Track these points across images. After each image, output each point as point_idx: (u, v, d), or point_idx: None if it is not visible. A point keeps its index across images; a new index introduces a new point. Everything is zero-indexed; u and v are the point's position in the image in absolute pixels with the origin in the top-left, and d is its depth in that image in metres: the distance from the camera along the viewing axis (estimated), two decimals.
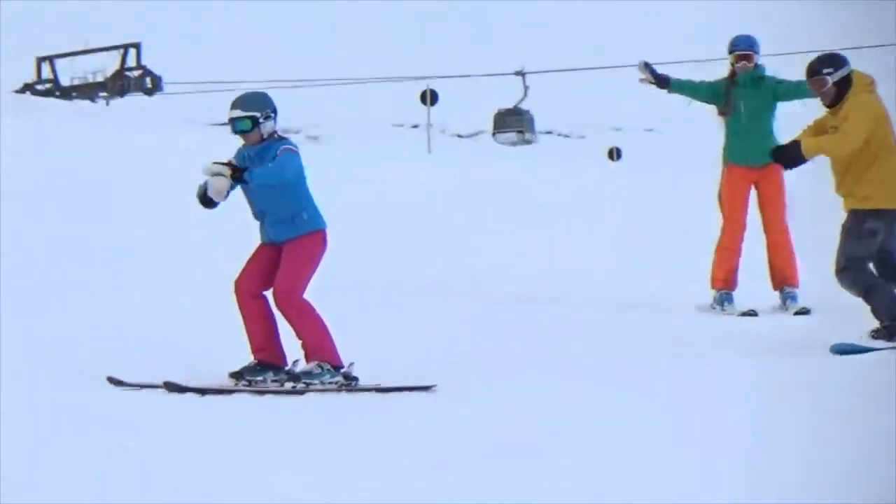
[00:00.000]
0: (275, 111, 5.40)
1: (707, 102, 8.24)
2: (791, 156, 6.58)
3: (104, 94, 26.20)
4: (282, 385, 5.22)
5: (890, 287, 6.56)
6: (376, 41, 38.23)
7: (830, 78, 6.47)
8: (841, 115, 6.44)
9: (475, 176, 15.65)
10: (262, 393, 5.15)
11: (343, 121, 31.92)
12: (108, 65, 27.01)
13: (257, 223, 5.41)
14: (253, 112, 5.26)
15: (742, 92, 8.00)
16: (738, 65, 7.92)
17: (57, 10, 33.19)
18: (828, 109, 6.54)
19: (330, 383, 5.25)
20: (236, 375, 5.24)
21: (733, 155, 7.98)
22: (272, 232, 5.33)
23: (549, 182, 15.25)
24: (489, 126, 33.84)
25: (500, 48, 44.07)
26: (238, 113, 5.22)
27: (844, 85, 6.46)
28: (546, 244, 10.42)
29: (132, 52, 27.46)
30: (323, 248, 5.46)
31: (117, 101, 24.11)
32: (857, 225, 6.50)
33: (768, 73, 8.24)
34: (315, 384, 5.22)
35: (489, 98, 34.27)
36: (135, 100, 23.58)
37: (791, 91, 7.96)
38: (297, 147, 5.42)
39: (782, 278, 7.92)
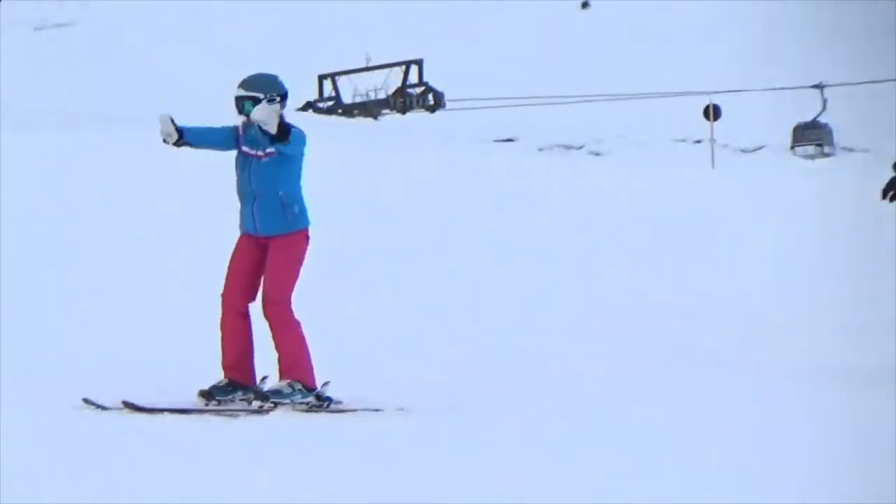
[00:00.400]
0: (283, 95, 5.27)
1: None
2: None
3: (386, 111, 26.33)
4: (249, 404, 5.15)
5: None
6: (657, 56, 37.53)
7: None
8: None
9: (759, 191, 15.54)
10: (233, 414, 5.07)
11: (625, 136, 31.06)
12: (389, 82, 27.16)
13: (242, 209, 5.28)
14: (257, 93, 5.19)
15: None
16: None
17: (338, 27, 34.48)
18: None
19: (300, 403, 5.17)
20: (206, 395, 5.17)
21: None
22: (260, 221, 5.20)
23: (845, 197, 14.46)
24: (778, 140, 33.78)
25: (781, 61, 42.53)
26: (242, 93, 5.19)
27: None
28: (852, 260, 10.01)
29: (414, 68, 27.58)
30: (307, 248, 5.36)
31: (398, 118, 24.07)
32: None
33: None
34: (285, 403, 5.14)
35: (773, 113, 33.80)
36: (417, 117, 23.48)
37: None
38: (305, 134, 5.37)
39: None
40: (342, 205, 13.71)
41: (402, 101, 26.74)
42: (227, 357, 5.27)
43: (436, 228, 12.81)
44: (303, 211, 5.38)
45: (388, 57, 28.72)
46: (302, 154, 5.39)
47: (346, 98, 28.17)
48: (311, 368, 5.28)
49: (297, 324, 5.27)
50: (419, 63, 27.70)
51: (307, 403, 5.19)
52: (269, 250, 5.25)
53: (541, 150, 20.09)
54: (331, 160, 17.24)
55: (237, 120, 5.35)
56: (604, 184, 16.92)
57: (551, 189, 16.37)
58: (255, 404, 5.14)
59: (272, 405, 5.15)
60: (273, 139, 5.15)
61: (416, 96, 27.27)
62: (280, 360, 5.21)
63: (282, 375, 5.19)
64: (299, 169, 5.46)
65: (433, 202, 14.25)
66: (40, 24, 37.75)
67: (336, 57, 30.44)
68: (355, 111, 26.45)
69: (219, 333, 5.30)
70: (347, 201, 13.55)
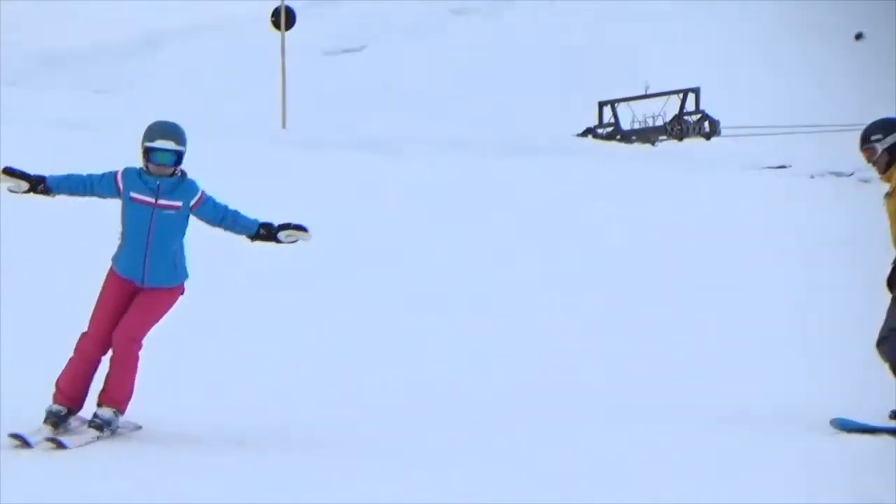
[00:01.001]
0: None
1: None
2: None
3: (664, 137, 26.84)
4: (85, 431, 5.07)
5: None
6: None
7: (881, 145, 6.34)
8: (892, 184, 6.29)
9: None
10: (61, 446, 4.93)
11: None
12: (667, 109, 27.76)
13: (132, 256, 5.07)
14: (183, 148, 5.10)
15: None
16: None
17: (617, 55, 35.58)
18: (881, 177, 6.44)
19: (117, 427, 5.17)
20: (52, 422, 5.03)
21: None
22: (149, 272, 5.07)
23: None
24: None
25: None
26: (171, 146, 5.03)
27: (894, 151, 6.32)
28: None
29: (691, 96, 28.02)
30: (178, 299, 5.29)
31: (675, 144, 25.11)
32: None
33: None
34: (111, 429, 5.10)
35: None
36: (693, 143, 24.51)
37: None
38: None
39: None
40: (616, 224, 14.50)
41: (679, 127, 27.10)
42: (74, 388, 5.18)
43: (705, 250, 13.07)
44: (184, 267, 5.38)
45: (666, 85, 29.21)
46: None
47: (625, 124, 28.70)
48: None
49: (138, 360, 5.24)
50: (696, 91, 28.01)
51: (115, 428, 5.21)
52: (143, 293, 5.19)
53: (812, 177, 20.52)
54: (610, 184, 17.77)
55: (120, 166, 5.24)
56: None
57: (820, 212, 16.24)
58: (93, 433, 5.12)
59: (108, 432, 5.17)
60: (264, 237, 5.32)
61: (692, 124, 27.58)
62: (110, 390, 5.15)
63: (107, 404, 5.13)
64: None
65: (701, 225, 14.45)
66: (331, 50, 42.26)
67: (615, 85, 30.94)
68: (633, 137, 26.93)
69: (68, 359, 5.21)
70: (622, 222, 14.76)
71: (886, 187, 6.51)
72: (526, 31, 40.82)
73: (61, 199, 6.11)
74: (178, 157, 5.10)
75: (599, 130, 29.08)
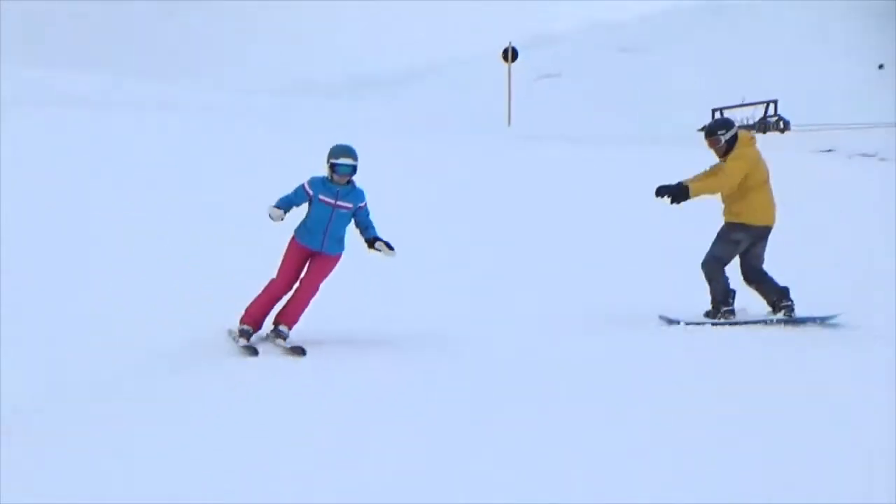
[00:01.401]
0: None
1: None
2: (679, 195, 7.52)
3: (753, 132, 36.94)
4: (271, 339, 6.53)
5: (727, 286, 7.67)
6: None
7: (724, 137, 7.65)
8: (726, 162, 7.61)
9: None
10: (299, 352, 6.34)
11: None
12: (756, 114, 39.29)
13: (314, 235, 6.54)
14: (357, 163, 6.48)
15: None
16: None
17: (725, 76, 48.73)
18: (720, 159, 7.73)
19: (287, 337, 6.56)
20: (245, 335, 6.40)
21: None
22: (326, 245, 6.53)
23: None
24: None
25: None
26: (350, 161, 6.38)
27: (733, 141, 7.60)
28: None
29: (772, 105, 39.74)
30: (337, 264, 6.78)
31: (760, 136, 36.43)
32: (726, 234, 7.73)
33: None
34: (285, 338, 6.55)
35: None
36: (773, 135, 33.97)
37: None
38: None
39: None
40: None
41: (763, 125, 37.18)
42: (265, 313, 6.56)
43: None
44: (344, 242, 6.84)
45: (757, 97, 41.68)
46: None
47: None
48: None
49: (310, 302, 6.69)
50: (775, 102, 39.34)
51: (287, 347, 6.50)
52: (319, 257, 6.59)
53: (850, 157, 25.10)
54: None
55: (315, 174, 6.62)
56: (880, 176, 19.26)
57: (850, 179, 18.68)
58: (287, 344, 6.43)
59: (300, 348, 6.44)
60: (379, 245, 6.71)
61: (772, 123, 38.00)
62: (289, 314, 6.54)
63: (284, 322, 6.57)
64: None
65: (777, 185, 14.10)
66: (539, 75, 57.08)
67: (724, 96, 44.04)
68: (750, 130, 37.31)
69: (257, 294, 6.55)
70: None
71: (721, 162, 7.90)
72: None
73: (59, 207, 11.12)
74: (354, 169, 6.40)
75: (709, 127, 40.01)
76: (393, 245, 6.60)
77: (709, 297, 7.83)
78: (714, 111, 39.91)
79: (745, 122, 38.23)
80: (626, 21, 71.12)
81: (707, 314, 7.79)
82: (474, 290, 9.39)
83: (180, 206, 12.69)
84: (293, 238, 6.69)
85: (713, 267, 7.71)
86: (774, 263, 8.14)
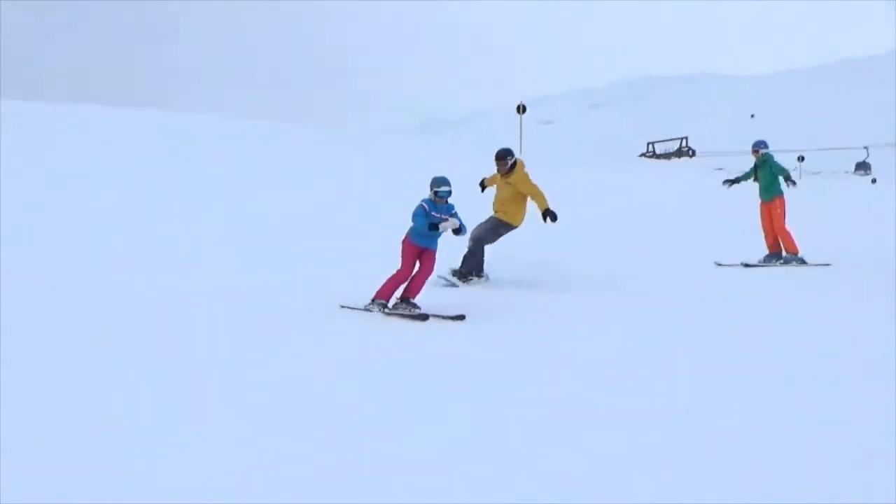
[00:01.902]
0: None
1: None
2: (551, 214, 9.36)
3: (674, 158, 57.38)
4: (403, 308, 7.73)
5: (481, 263, 9.70)
6: None
7: (510, 161, 9.70)
8: (513, 179, 9.65)
9: None
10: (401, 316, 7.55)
11: None
12: (674, 146, 61.09)
13: (424, 237, 7.87)
14: (451, 188, 8.02)
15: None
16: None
17: (655, 124, 74.40)
18: (502, 175, 9.71)
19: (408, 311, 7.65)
20: (403, 302, 7.72)
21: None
22: (434, 245, 8.07)
23: None
24: None
25: None
26: (448, 188, 7.98)
27: (513, 165, 9.67)
28: None
29: (684, 140, 61.79)
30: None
31: (676, 160, 59.29)
32: (496, 227, 9.76)
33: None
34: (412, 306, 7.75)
35: None
36: (683, 160, 58.14)
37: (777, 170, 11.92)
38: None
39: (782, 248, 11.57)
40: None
41: (679, 153, 57.36)
42: (390, 291, 7.75)
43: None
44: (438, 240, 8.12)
45: (676, 134, 64.77)
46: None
47: (659, 151, 59.73)
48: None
49: (426, 281, 7.94)
50: (686, 138, 61.09)
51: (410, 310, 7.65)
52: (428, 252, 8.05)
53: (729, 173, 44.35)
54: (643, 175, 28.95)
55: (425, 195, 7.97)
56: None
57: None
58: (405, 309, 7.68)
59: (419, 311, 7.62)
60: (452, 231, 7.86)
61: (685, 151, 58.35)
62: (413, 290, 7.80)
63: (411, 296, 7.80)
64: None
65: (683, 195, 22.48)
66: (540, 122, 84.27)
67: (657, 136, 67.18)
68: (660, 157, 56.01)
69: (385, 281, 7.72)
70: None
71: (504, 180, 9.74)
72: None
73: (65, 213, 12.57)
74: (450, 193, 8.05)
75: (648, 154, 59.40)
76: (458, 223, 8.02)
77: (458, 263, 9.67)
78: (649, 144, 61.58)
79: (667, 151, 59.21)
80: (596, 86, 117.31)
81: (454, 272, 9.63)
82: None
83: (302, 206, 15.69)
84: (407, 240, 8.15)
85: (479, 246, 9.80)
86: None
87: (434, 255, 8.11)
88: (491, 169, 10.06)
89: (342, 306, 7.98)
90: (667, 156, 58.39)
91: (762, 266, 11.16)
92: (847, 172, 56.26)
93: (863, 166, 61.14)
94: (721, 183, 12.63)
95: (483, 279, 9.59)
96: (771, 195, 11.64)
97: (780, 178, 11.68)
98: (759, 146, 12.14)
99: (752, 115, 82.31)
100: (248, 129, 32.14)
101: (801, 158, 53.36)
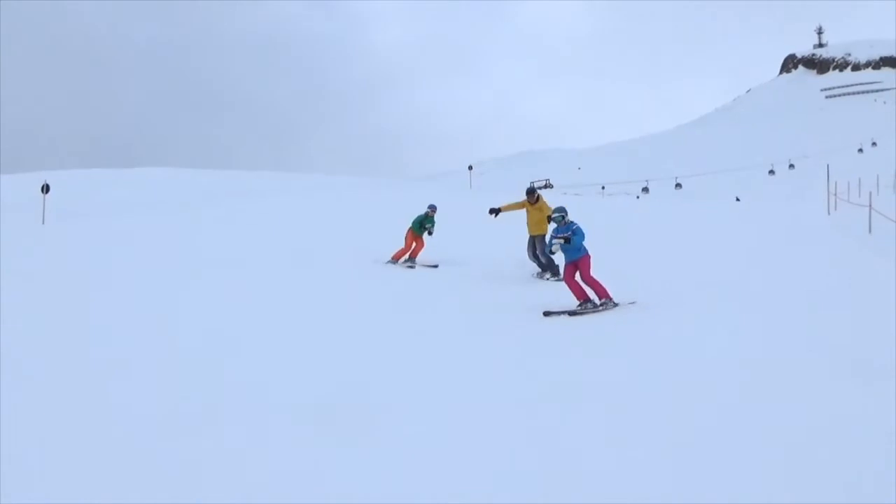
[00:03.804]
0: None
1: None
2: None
3: (541, 189, 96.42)
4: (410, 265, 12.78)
5: (548, 261, 13.30)
6: None
7: (538, 192, 14.18)
8: (541, 206, 13.74)
9: None
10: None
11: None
12: (543, 183, 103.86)
13: (422, 231, 12.31)
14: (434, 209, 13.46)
15: None
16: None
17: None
18: (532, 204, 13.77)
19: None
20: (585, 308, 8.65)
21: None
22: (425, 236, 12.46)
23: None
24: None
25: None
26: (433, 211, 13.59)
27: (539, 197, 14.01)
28: None
29: (548, 180, 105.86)
30: None
31: (545, 191, 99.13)
32: (541, 239, 13.41)
33: None
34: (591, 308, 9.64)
35: None
36: (546, 191, 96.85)
37: None
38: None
39: None
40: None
41: (545, 186, 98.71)
42: (398, 256, 12.88)
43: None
44: None
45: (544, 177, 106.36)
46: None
47: (536, 185, 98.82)
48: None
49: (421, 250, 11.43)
50: (549, 179, 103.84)
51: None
52: (419, 239, 12.50)
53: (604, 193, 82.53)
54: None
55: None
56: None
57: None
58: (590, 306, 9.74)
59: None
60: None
61: (548, 185, 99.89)
62: (415, 252, 12.33)
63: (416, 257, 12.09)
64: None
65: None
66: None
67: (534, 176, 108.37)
68: (541, 188, 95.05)
69: (398, 250, 13.14)
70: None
71: (531, 206, 14.01)
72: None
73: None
74: (435, 209, 12.74)
75: (535, 188, 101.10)
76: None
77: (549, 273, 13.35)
78: (532, 182, 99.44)
79: (539, 186, 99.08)
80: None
81: (556, 277, 12.61)
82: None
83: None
84: (411, 230, 11.80)
85: (545, 256, 12.75)
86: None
87: (586, 260, 10.58)
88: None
89: (546, 313, 9.62)
90: (541, 188, 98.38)
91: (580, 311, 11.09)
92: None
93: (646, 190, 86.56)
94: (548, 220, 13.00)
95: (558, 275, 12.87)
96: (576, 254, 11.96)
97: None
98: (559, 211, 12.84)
99: (579, 168, 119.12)
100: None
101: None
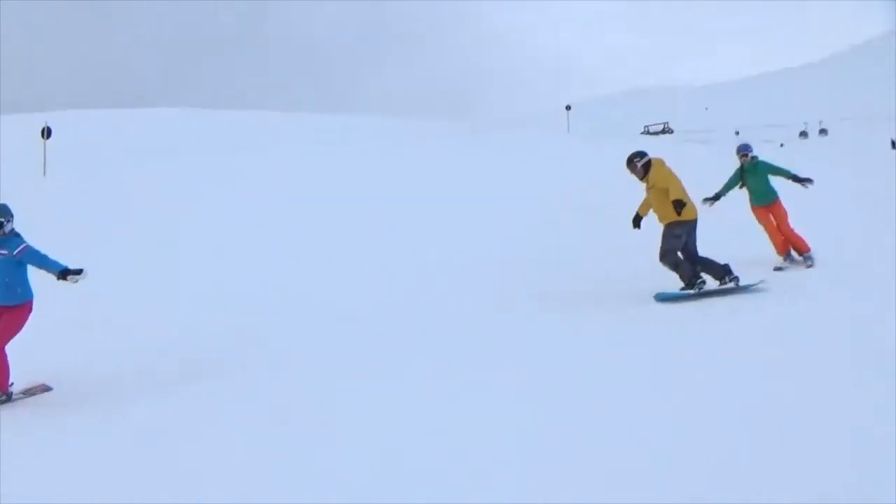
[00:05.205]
0: (10, 218, 7.08)
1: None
2: (681, 204, 9.24)
3: (660, 133, 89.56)
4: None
5: (689, 264, 9.37)
6: None
7: (639, 163, 9.41)
8: (650, 180, 9.30)
9: None
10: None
11: None
12: (659, 127, 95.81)
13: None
14: (3, 219, 7.16)
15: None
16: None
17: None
18: (641, 180, 9.55)
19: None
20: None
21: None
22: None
23: None
24: None
25: None
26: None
27: (647, 166, 9.36)
28: None
29: (667, 123, 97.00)
30: (29, 314, 7.19)
31: (662, 136, 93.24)
32: (670, 232, 9.27)
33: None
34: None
35: None
36: (665, 136, 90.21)
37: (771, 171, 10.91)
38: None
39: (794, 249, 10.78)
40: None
41: (662, 131, 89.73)
42: None
43: None
44: (25, 290, 7.09)
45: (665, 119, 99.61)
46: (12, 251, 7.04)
47: (652, 130, 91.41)
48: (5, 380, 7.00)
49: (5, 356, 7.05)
50: (667, 122, 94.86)
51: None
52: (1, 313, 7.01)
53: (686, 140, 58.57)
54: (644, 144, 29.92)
55: None
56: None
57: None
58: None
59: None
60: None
61: (667, 130, 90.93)
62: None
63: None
64: (16, 261, 6.98)
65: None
66: None
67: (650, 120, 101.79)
68: (651, 134, 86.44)
69: None
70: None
71: (644, 185, 9.59)
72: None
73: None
74: (2, 225, 7.08)
75: (651, 130, 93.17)
76: (80, 268, 7.12)
77: (679, 281, 9.41)
78: (644, 126, 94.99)
79: (655, 130, 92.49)
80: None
81: (683, 288, 9.27)
82: None
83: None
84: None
85: (671, 256, 9.21)
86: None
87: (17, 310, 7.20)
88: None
89: (658, 298, 8.91)
90: (656, 133, 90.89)
91: (787, 267, 10.59)
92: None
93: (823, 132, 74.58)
94: (702, 202, 10.32)
95: (705, 281, 9.44)
96: (769, 199, 10.92)
97: (772, 179, 10.85)
98: (745, 150, 11.15)
99: (707, 108, 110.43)
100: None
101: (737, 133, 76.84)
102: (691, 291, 9.23)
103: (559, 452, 4.95)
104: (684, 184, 9.35)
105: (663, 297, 9.17)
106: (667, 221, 9.36)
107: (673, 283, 9.58)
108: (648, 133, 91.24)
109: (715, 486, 4.35)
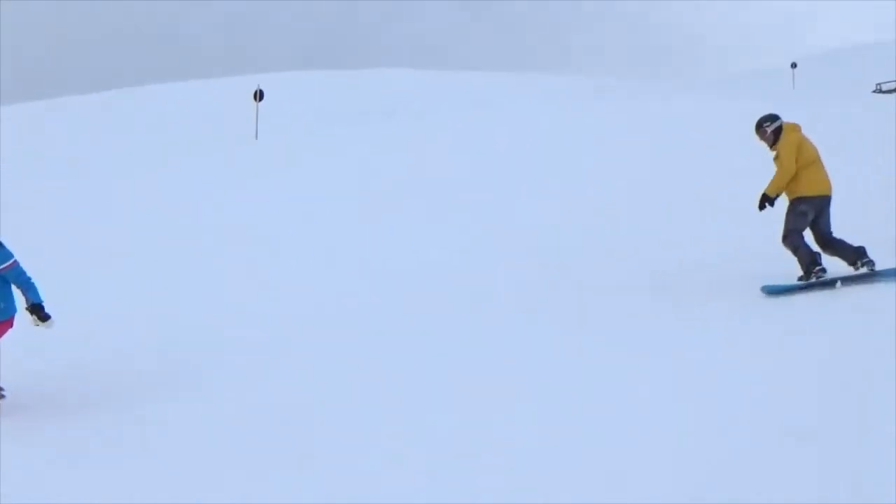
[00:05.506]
0: None
1: None
2: (764, 201, 8.41)
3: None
4: None
5: (811, 250, 8.26)
6: None
7: (769, 128, 8.47)
8: (778, 149, 8.39)
9: None
10: None
11: None
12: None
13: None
14: None
15: None
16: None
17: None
18: (771, 148, 8.55)
19: None
20: None
21: None
22: None
23: None
24: None
25: None
26: None
27: (778, 131, 8.39)
28: None
29: None
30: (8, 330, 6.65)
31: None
32: (793, 208, 8.39)
33: None
34: None
35: None
36: None
37: None
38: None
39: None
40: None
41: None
42: None
43: None
44: (9, 305, 6.57)
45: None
46: None
47: (885, 88, 71.94)
48: None
49: None
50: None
51: None
52: None
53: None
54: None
55: None
56: None
57: None
58: None
59: None
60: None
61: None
62: None
63: None
64: (1, 277, 6.49)
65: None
66: None
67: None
68: (884, 93, 65.27)
69: None
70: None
71: (773, 154, 8.54)
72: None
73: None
74: None
75: (876, 90, 74.82)
76: (49, 315, 6.44)
77: (798, 267, 8.37)
78: (877, 84, 76.83)
79: (889, 89, 74.35)
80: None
81: (801, 278, 8.35)
82: None
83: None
84: None
85: (793, 238, 8.34)
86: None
87: None
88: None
89: (766, 291, 8.04)
90: (889, 92, 74.19)
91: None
92: None
93: None
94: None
95: (825, 271, 8.15)
96: None
97: None
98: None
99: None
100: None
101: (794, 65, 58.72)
102: (806, 283, 8.19)
103: (559, 452, 5.00)
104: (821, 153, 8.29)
105: (772, 290, 8.19)
106: (792, 196, 8.40)
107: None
108: (881, 91, 76.01)
109: (715, 486, 4.39)
